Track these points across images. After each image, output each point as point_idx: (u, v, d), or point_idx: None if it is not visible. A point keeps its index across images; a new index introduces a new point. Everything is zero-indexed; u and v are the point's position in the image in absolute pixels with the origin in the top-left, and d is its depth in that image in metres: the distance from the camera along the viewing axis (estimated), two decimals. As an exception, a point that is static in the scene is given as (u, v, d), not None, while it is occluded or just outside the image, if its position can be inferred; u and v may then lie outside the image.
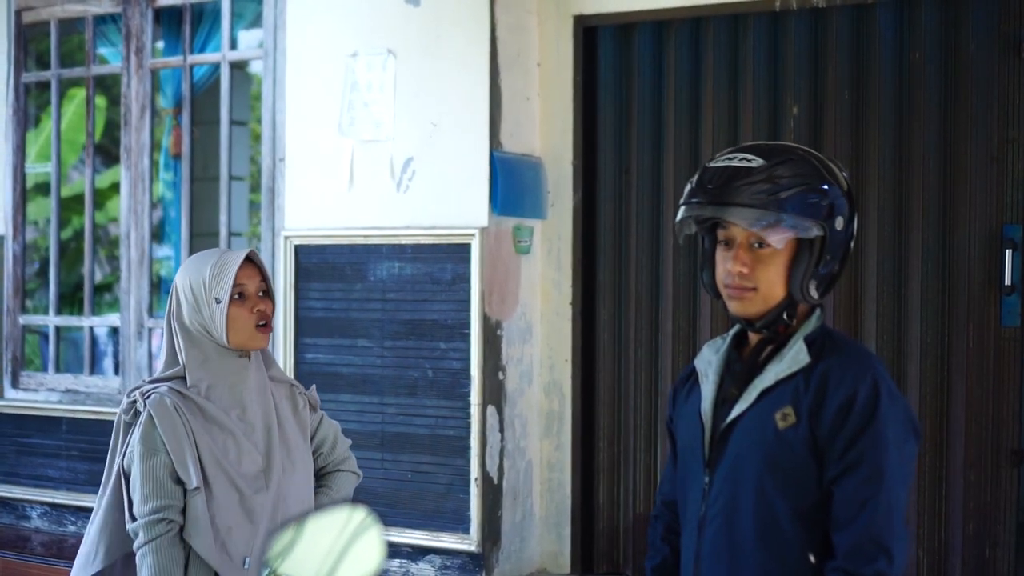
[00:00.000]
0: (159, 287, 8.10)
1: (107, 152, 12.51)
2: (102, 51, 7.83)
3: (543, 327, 6.40)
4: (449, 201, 6.08)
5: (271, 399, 3.37)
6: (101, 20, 7.47)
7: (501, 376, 6.12)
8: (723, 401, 2.70)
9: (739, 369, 2.71)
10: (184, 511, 3.24)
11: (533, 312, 6.35)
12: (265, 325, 3.30)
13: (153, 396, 3.24)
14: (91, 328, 7.54)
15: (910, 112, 5.67)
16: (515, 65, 6.20)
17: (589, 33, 6.32)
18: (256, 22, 7.56)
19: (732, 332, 2.80)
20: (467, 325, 6.01)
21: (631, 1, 6.17)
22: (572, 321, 6.33)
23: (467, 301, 6.00)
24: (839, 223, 2.59)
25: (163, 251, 8.97)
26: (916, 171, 5.65)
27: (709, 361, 2.78)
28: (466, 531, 6.01)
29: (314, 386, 3.65)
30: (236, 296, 3.25)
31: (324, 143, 6.37)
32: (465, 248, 6.00)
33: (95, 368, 7.51)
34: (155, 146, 7.36)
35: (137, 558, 3.22)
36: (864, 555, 2.47)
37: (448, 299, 6.05)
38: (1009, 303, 5.49)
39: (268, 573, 1.89)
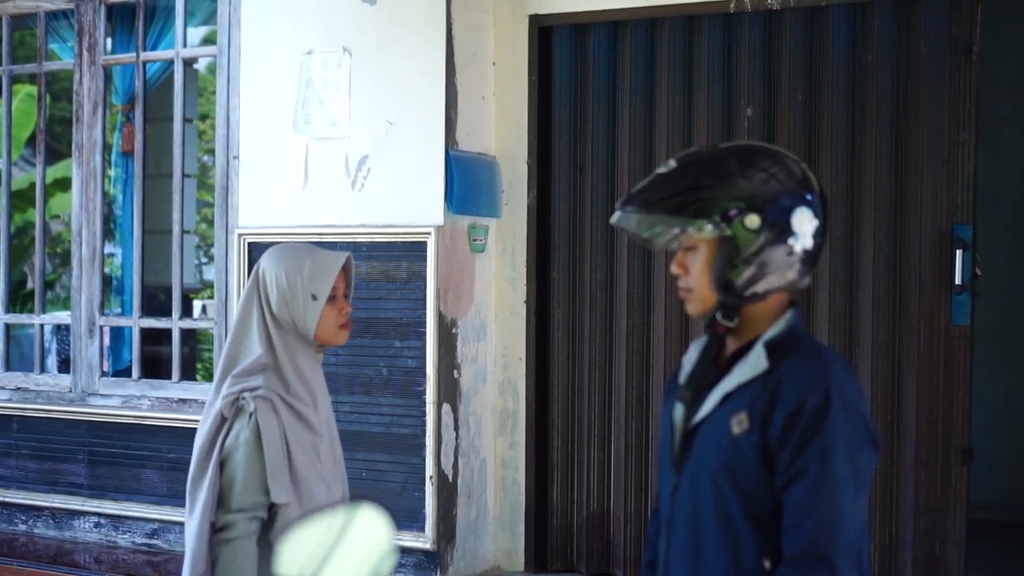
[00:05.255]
0: (110, 284, 8.04)
1: (48, 148, 12.40)
2: (52, 47, 7.77)
3: (497, 325, 6.42)
4: (405, 199, 6.08)
5: (328, 394, 3.56)
6: (53, 16, 7.42)
7: (456, 374, 6.13)
8: (692, 402, 2.71)
9: (700, 371, 2.72)
10: (275, 517, 3.35)
11: (488, 310, 6.37)
12: (346, 324, 3.46)
13: (260, 397, 3.34)
14: (42, 326, 7.47)
15: (862, 114, 5.73)
16: (471, 64, 6.22)
17: (544, 33, 6.35)
18: (209, 20, 7.54)
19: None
20: (422, 323, 6.01)
21: (586, 1, 6.21)
22: (526, 319, 6.36)
23: (422, 299, 6.01)
24: (751, 222, 2.57)
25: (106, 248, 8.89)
26: (868, 172, 5.71)
27: (691, 360, 2.79)
28: (421, 529, 6.01)
29: None
30: (331, 296, 3.42)
31: (279, 141, 6.35)
32: (420, 246, 6.01)
33: (41, 366, 7.44)
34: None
35: (222, 547, 3.30)
36: (805, 565, 2.47)
37: (403, 297, 6.06)
38: (959, 302, 5.56)
39: None
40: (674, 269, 2.69)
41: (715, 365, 2.72)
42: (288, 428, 3.35)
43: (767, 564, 2.54)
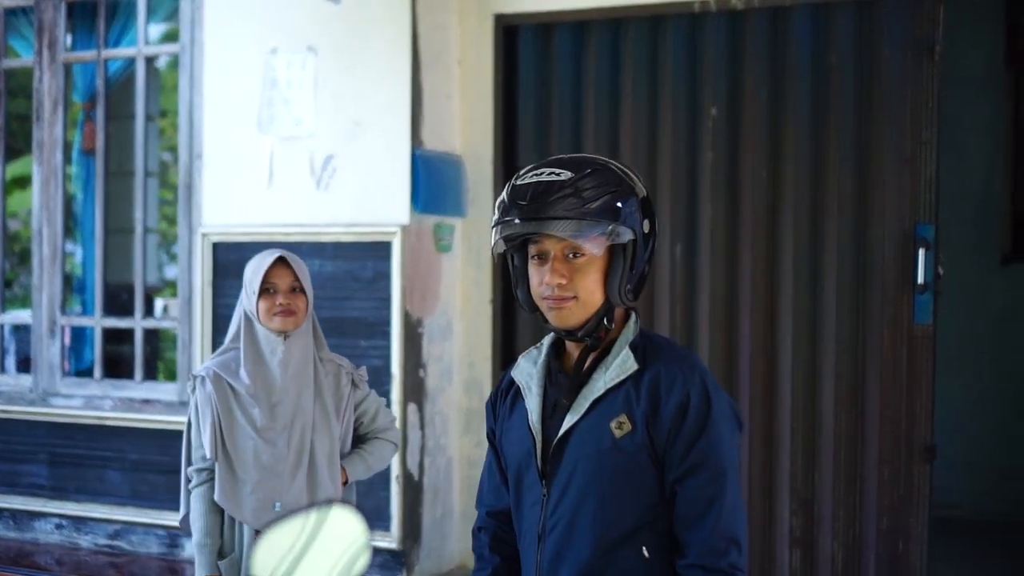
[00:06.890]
0: (70, 284, 7.98)
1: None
2: (11, 43, 7.70)
3: (463, 325, 6.42)
4: (370, 199, 6.07)
5: (311, 372, 4.12)
6: (12, 13, 7.35)
7: (422, 373, 6.12)
8: (552, 413, 2.71)
9: (563, 380, 2.72)
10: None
11: (453, 310, 6.37)
12: (281, 312, 4.04)
13: (198, 378, 4.11)
14: (1, 325, 7.42)
15: (826, 113, 5.77)
16: (436, 64, 6.21)
17: (509, 32, 6.35)
18: (171, 17, 7.48)
19: (547, 342, 2.80)
20: (388, 323, 6.01)
21: (551, 1, 6.21)
22: (492, 319, 6.36)
23: (388, 299, 6.01)
24: (646, 226, 2.64)
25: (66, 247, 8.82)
26: (832, 171, 5.74)
27: (530, 373, 2.78)
28: (387, 528, 6.00)
29: (364, 367, 4.34)
30: (266, 290, 4.04)
31: (243, 140, 6.33)
32: (386, 246, 6.00)
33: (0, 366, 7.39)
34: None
35: (192, 497, 4.13)
36: (718, 550, 2.56)
37: (369, 297, 6.04)
38: (922, 301, 5.60)
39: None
40: (555, 279, 2.62)
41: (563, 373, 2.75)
42: (220, 400, 4.05)
43: (646, 552, 2.61)
